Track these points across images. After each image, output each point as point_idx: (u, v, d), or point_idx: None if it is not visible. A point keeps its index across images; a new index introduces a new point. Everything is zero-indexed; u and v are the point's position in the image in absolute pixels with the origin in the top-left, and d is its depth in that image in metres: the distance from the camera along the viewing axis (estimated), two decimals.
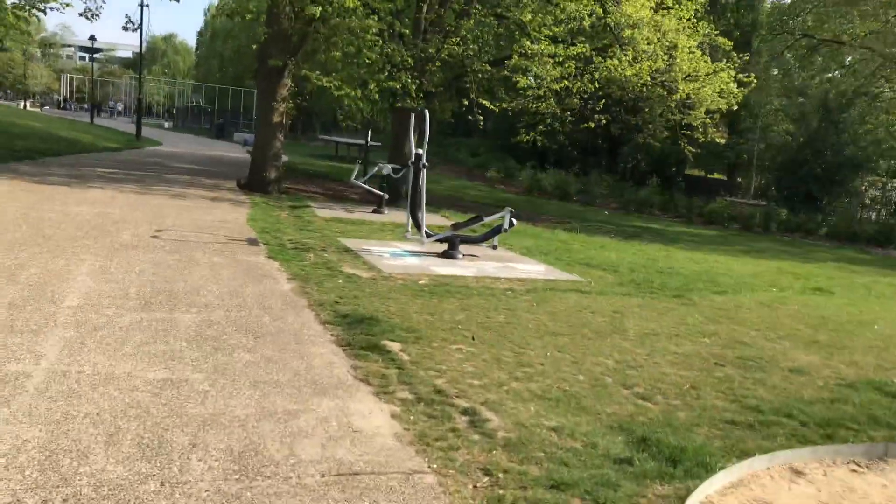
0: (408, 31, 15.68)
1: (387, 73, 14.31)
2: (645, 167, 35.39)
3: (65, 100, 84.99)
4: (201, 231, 8.77)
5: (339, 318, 5.38)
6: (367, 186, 12.80)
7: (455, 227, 8.63)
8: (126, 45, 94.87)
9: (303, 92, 18.54)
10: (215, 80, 76.54)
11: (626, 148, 35.81)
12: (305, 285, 6.42)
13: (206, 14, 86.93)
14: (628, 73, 13.10)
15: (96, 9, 18.32)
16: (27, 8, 14.68)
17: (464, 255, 8.64)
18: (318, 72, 13.70)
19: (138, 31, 18.78)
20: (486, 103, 16.01)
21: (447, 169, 32.45)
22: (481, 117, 16.31)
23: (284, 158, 16.92)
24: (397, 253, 8.60)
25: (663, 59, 13.61)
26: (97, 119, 51.57)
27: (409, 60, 14.65)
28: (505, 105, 14.61)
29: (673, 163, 33.87)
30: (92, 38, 48.88)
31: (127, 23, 19.20)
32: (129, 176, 14.88)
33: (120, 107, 79.96)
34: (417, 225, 8.53)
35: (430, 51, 14.95)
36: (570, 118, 14.49)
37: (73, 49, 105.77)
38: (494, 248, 8.97)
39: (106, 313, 4.90)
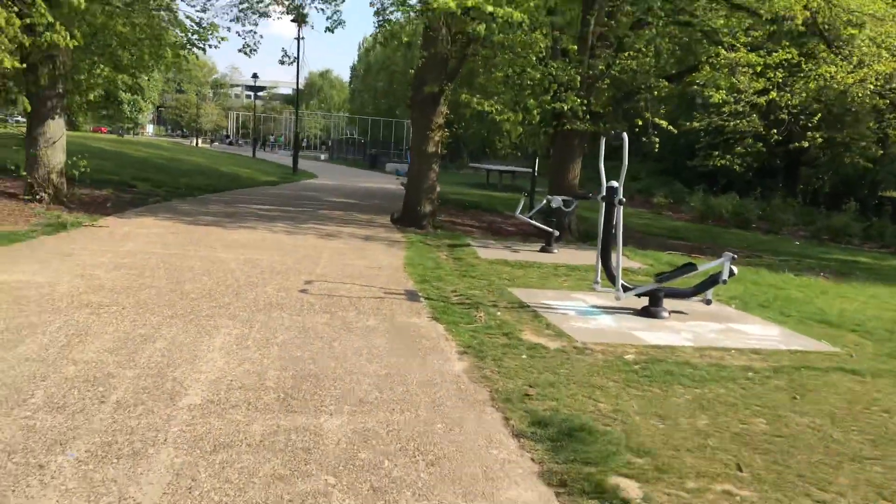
0: (574, 47, 14.16)
1: (552, 94, 12.83)
2: (828, 189, 31.48)
3: (227, 136, 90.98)
4: (354, 280, 7.61)
5: (536, 428, 3.85)
6: (534, 222, 11.28)
7: (660, 278, 6.89)
8: (287, 82, 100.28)
9: (459, 119, 17.46)
10: (368, 112, 78.89)
11: (805, 168, 32.10)
12: (482, 363, 4.97)
13: (359, 48, 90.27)
14: (849, 80, 10.77)
15: (254, 44, 18.32)
16: (187, 46, 14.62)
17: (670, 313, 6.88)
18: (477, 96, 12.44)
19: (294, 63, 18.51)
20: (664, 124, 14.11)
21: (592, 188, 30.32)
22: (656, 139, 14.40)
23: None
24: (585, 310, 6.98)
25: (892, 63, 11.13)
26: (259, 153, 54.16)
27: (577, 79, 13.09)
28: (696, 124, 12.62)
29: (866, 184, 29.80)
30: (254, 76, 51.51)
31: (283, 56, 19.09)
32: (282, 213, 14.32)
33: (280, 140, 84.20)
34: (610, 275, 6.89)
35: (600, 67, 13.31)
36: (776, 136, 12.27)
37: (240, 88, 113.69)
38: (708, 303, 7.13)
39: (233, 418, 3.67)
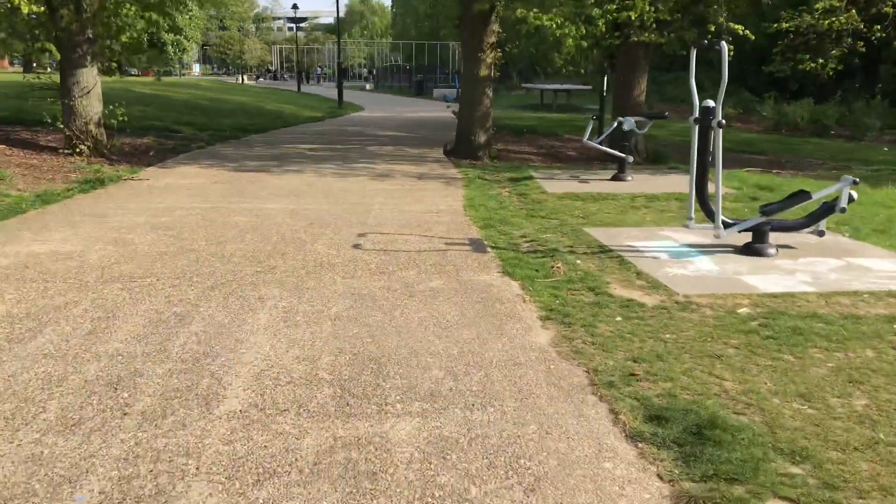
0: None
1: (616, 3, 11.51)
2: None
3: (268, 70, 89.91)
4: (412, 230, 6.85)
5: (654, 425, 3.07)
6: (605, 148, 10.23)
7: (766, 210, 5.90)
8: (328, 12, 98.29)
9: (512, 37, 16.20)
10: (411, 36, 76.68)
11: (886, 66, 29.50)
12: (570, 332, 4.19)
13: None
14: None
15: None
16: None
17: (777, 249, 5.93)
18: (533, 10, 11.22)
19: None
20: (739, 29, 12.65)
21: (668, 110, 28.54)
22: (731, 45, 12.93)
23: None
24: (677, 251, 6.08)
25: None
26: (304, 87, 53.23)
27: None
28: (784, 24, 11.18)
29: None
30: (294, 6, 50.10)
31: None
32: (329, 152, 13.57)
33: (328, 71, 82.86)
34: (708, 210, 5.95)
35: None
36: (879, 33, 10.77)
37: (282, 21, 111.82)
38: (821, 234, 6.15)
39: (281, 429, 3.00)
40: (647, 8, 11.50)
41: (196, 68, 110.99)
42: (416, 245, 6.23)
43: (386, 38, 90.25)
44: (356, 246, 6.17)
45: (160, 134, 15.17)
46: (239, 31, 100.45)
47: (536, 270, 5.44)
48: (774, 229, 5.99)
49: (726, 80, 5.51)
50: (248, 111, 22.01)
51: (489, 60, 13.97)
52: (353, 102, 31.23)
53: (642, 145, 14.66)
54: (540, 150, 16.50)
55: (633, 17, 11.55)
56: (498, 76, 13.80)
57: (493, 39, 13.90)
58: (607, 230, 6.89)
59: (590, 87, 29.80)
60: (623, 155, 9.84)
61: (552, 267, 5.53)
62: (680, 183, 9.73)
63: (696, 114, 5.81)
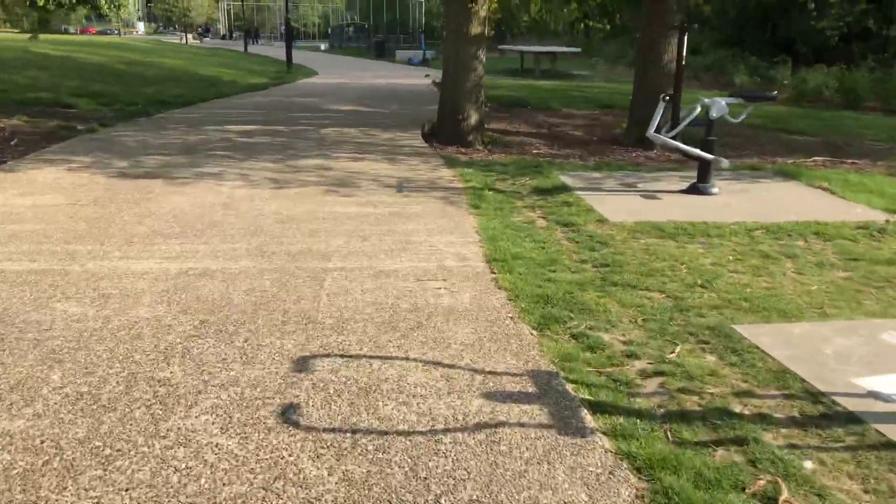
0: None
1: None
2: None
3: (207, 29, 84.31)
4: (408, 348, 3.43)
5: None
6: (684, 146, 6.80)
7: None
8: None
9: None
10: None
11: None
12: None
13: None
14: None
15: None
16: None
17: None
18: None
19: None
20: None
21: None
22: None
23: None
24: None
25: None
26: (253, 47, 48.59)
27: None
28: None
29: None
30: None
31: None
32: (268, 138, 9.96)
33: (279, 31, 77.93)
34: None
35: None
36: None
37: None
38: None
39: None
40: None
41: (140, 27, 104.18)
42: (425, 421, 2.83)
43: None
44: (291, 419, 2.75)
45: (44, 111, 11.35)
46: None
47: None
48: None
49: None
50: (178, 78, 18.06)
51: (482, 13, 10.46)
52: (306, 66, 27.22)
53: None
54: (539, 130, 13.17)
55: None
56: (492, 35, 10.63)
57: None
58: (780, 332, 3.59)
59: (578, 50, 26.34)
60: (710, 156, 6.48)
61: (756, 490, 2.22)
62: (802, 199, 6.50)
63: None
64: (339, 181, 7.08)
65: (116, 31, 78.45)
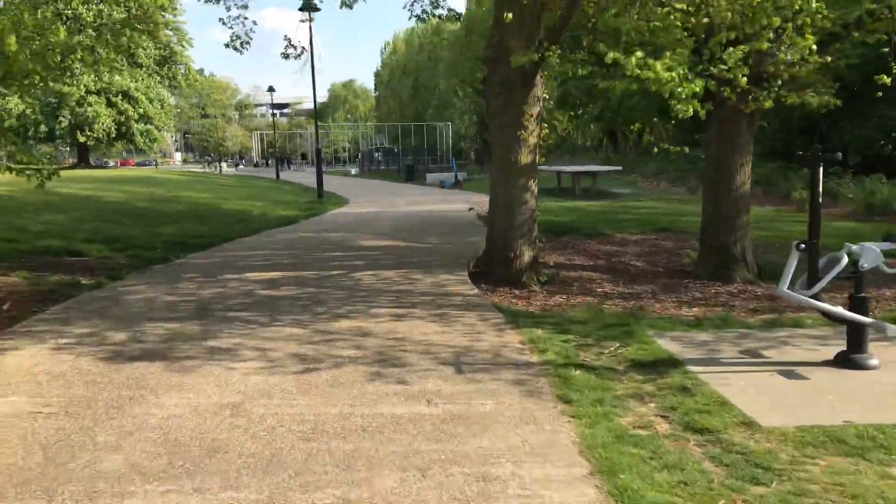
0: None
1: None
2: None
3: (241, 157, 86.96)
4: None
5: None
6: (826, 306, 5.21)
7: None
8: (310, 97, 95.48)
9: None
10: (395, 119, 73.79)
11: None
12: None
13: (382, 52, 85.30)
14: None
15: (246, 34, 13.01)
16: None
17: None
18: (639, 55, 6.53)
19: (300, 56, 13.11)
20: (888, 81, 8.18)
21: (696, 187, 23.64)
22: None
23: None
24: None
25: None
26: (285, 173, 49.10)
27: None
28: None
29: None
30: (270, 88, 46.49)
31: (287, 47, 13.59)
32: (295, 289, 8.65)
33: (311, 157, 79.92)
34: None
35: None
36: None
37: (265, 107, 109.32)
38: None
39: None
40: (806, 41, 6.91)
41: (178, 157, 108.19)
42: None
43: (370, 122, 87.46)
44: None
45: (51, 263, 10.27)
46: (221, 118, 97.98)
47: None
48: None
49: None
50: (202, 214, 17.23)
51: (532, 140, 9.37)
52: (337, 193, 26.64)
53: (750, 254, 9.99)
54: (596, 262, 11.81)
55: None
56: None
57: (537, 109, 9.37)
58: None
59: (619, 168, 25.43)
60: (866, 319, 4.94)
61: None
62: None
63: None
64: (380, 356, 5.63)
65: (154, 162, 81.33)
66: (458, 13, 13.78)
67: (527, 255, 9.47)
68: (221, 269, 10.13)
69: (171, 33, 56.87)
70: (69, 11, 46.58)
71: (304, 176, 45.10)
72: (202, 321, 6.93)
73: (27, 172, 8.13)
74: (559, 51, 8.45)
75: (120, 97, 50.76)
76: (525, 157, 9.32)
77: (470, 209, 13.35)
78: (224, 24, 12.75)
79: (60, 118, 48.50)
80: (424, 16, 13.34)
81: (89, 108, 48.81)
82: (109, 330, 6.62)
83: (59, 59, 7.48)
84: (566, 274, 10.37)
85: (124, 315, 7.25)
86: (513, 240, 9.42)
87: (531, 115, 9.22)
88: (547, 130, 9.70)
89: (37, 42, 6.87)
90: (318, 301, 7.88)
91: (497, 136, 9.49)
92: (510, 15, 8.11)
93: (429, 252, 11.64)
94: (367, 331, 6.48)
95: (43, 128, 50.44)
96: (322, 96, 23.40)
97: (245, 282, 9.13)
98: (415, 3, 13.05)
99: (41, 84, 8.04)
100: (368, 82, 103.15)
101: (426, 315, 7.08)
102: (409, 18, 13.16)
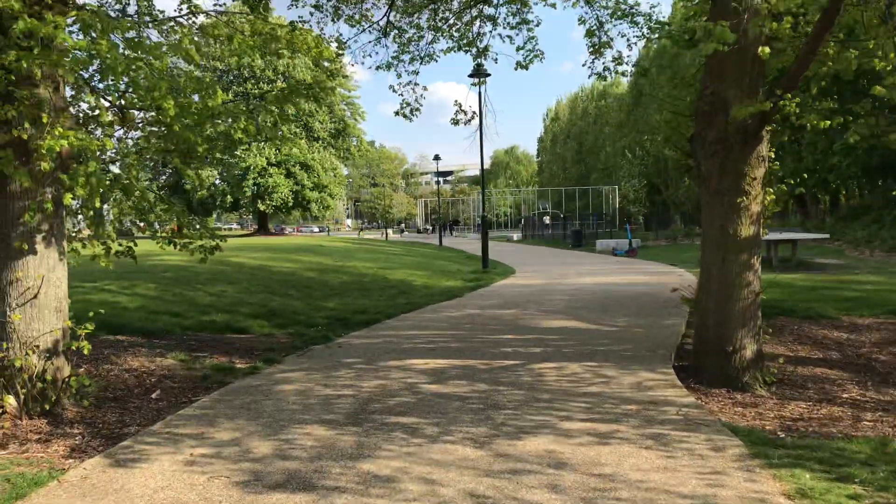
0: None
1: None
2: None
3: (401, 223, 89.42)
4: None
5: None
6: None
7: None
8: (474, 164, 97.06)
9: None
10: (558, 184, 72.80)
11: None
12: None
13: (544, 119, 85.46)
14: None
15: (416, 100, 12.44)
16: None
17: None
18: None
19: (469, 122, 12.20)
20: None
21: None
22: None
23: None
24: None
25: None
26: (448, 239, 49.18)
27: None
28: None
29: None
30: (436, 157, 47.11)
31: (458, 112, 12.75)
32: (463, 388, 7.32)
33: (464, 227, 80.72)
34: None
35: None
36: None
37: (430, 175, 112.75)
38: None
39: None
40: None
41: (349, 223, 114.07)
42: None
43: (532, 187, 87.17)
44: None
45: (210, 342, 9.73)
46: (389, 186, 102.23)
47: None
48: None
49: None
50: (366, 285, 16.63)
51: (755, 208, 7.62)
52: (502, 262, 25.52)
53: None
54: (827, 354, 9.67)
55: None
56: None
57: (761, 171, 7.62)
58: None
59: (826, 236, 22.31)
60: None
61: None
62: None
63: None
64: None
65: (327, 229, 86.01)
66: (644, 67, 12.32)
67: (749, 349, 7.60)
68: (383, 353, 9.07)
69: (345, 108, 60.03)
70: (241, 89, 50.29)
71: (467, 242, 44.71)
72: (356, 429, 5.76)
73: (191, 247, 7.55)
74: (798, 98, 6.71)
75: (297, 166, 53.81)
76: (746, 230, 7.57)
77: (674, 290, 11.52)
78: (394, 91, 12.25)
79: (245, 188, 51.98)
80: (606, 73, 12.07)
81: (269, 179, 52.02)
82: (254, 436, 5.61)
83: (218, 127, 6.84)
84: (794, 370, 8.33)
85: (274, 413, 6.26)
86: (730, 329, 7.61)
87: (754, 179, 7.50)
88: (773, 195, 7.86)
89: (195, 106, 6.22)
90: (493, 405, 6.49)
91: (710, 204, 7.80)
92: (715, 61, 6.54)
93: (618, 338, 9.94)
94: (561, 459, 4.97)
95: (229, 198, 54.34)
96: (484, 163, 22.88)
97: (408, 371, 7.96)
98: (595, 61, 11.82)
99: (205, 157, 7.45)
100: (529, 147, 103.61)
101: (636, 437, 5.45)
102: (589, 77, 11.86)
